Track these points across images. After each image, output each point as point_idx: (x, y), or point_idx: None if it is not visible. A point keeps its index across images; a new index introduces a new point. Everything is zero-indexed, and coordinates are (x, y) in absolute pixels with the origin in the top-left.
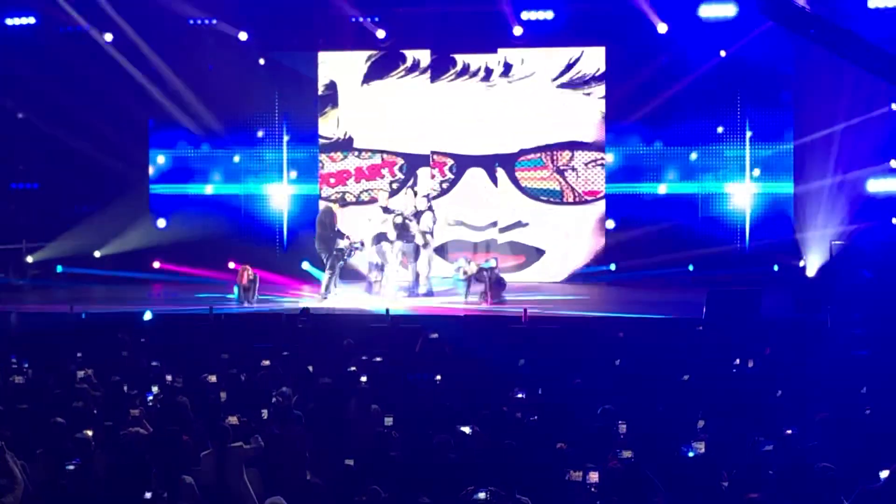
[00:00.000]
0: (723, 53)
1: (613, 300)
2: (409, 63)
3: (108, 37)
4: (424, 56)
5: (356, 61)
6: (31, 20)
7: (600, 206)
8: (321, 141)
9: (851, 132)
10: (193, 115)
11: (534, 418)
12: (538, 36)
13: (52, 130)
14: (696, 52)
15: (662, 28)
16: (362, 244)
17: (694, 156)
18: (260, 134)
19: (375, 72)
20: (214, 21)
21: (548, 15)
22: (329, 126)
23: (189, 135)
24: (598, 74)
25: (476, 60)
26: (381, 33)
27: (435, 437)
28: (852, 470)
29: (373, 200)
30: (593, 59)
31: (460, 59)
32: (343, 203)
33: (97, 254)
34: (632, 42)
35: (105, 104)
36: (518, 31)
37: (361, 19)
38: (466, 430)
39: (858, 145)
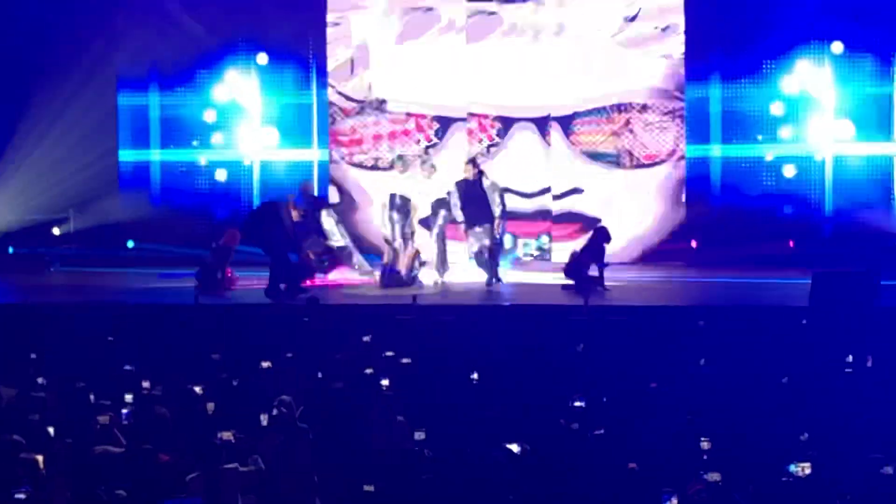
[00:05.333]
0: None
1: (695, 285)
2: (444, 23)
3: None
4: (461, 14)
5: (390, 19)
6: None
7: (673, 170)
8: (349, 104)
9: None
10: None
11: (598, 432)
12: None
13: None
14: None
15: None
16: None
17: (778, 107)
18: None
19: (409, 31)
20: None
21: None
22: (360, 88)
23: (163, 78)
24: (668, 19)
25: (523, 18)
26: None
27: (476, 457)
28: None
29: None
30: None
31: (506, 18)
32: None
33: (56, 231)
34: None
35: (63, 38)
36: None
37: None
38: (514, 447)
39: None
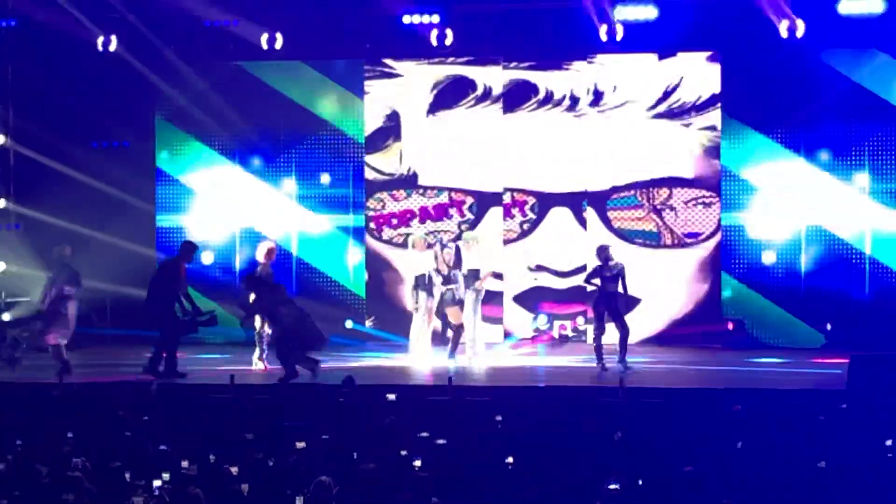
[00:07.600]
0: None
1: (731, 367)
2: (479, 91)
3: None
4: (497, 81)
5: (421, 89)
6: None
7: (706, 250)
8: (379, 177)
9: None
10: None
11: None
12: (636, 41)
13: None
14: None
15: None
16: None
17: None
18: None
19: (443, 101)
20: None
21: (650, 14)
22: (391, 161)
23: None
24: (701, 102)
25: (560, 86)
26: (434, 37)
27: None
28: None
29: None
30: (699, 79)
31: (542, 85)
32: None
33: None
34: (752, 51)
35: (102, 119)
36: (614, 33)
37: (417, 20)
38: None
39: None
